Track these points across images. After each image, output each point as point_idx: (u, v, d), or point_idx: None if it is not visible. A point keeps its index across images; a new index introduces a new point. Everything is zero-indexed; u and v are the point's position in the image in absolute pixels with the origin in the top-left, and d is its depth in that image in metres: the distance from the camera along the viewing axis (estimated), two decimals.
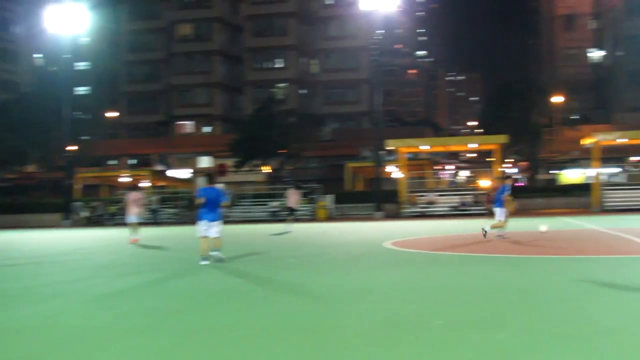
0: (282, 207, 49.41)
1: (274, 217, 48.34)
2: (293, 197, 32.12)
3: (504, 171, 22.82)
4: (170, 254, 21.15)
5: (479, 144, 54.87)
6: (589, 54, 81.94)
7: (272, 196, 52.44)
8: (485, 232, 21.23)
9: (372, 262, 16.18)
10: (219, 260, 15.84)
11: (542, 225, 21.17)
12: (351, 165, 62.82)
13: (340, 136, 75.55)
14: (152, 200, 49.83)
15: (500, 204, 21.25)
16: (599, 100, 77.46)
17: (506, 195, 21.26)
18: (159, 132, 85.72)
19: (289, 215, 32.20)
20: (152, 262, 18.46)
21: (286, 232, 29.76)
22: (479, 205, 46.80)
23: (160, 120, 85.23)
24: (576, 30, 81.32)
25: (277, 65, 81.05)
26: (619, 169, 62.00)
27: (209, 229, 15.77)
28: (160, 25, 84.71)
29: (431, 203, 48.33)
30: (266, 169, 66.30)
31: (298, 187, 33.88)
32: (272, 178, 65.02)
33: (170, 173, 74.99)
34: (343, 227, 35.07)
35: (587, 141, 50.06)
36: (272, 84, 79.42)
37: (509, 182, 21.76)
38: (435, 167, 66.29)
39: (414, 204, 48.43)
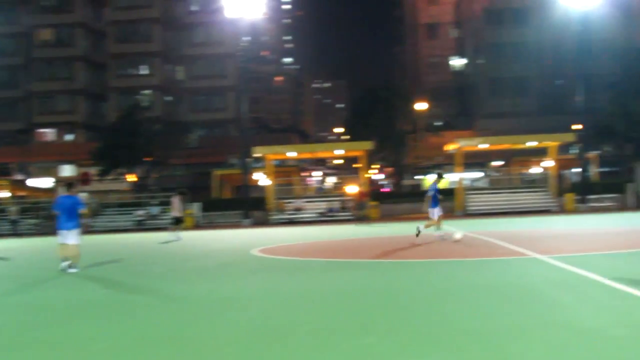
0: (147, 215, 48.61)
1: (140, 226, 47.44)
2: (178, 205, 31.36)
3: (439, 172, 22.83)
4: (29, 265, 20.39)
5: (345, 151, 55.45)
6: (451, 62, 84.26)
7: (137, 205, 51.43)
8: (419, 231, 21.30)
9: (241, 270, 16.02)
10: (70, 271, 15.76)
11: (457, 232, 21.24)
12: (218, 172, 62.38)
13: (207, 143, 74.92)
14: (11, 211, 47.96)
15: (436, 204, 21.31)
16: (462, 107, 79.71)
17: (429, 196, 21.36)
18: (19, 140, 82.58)
19: (175, 223, 31.47)
20: (10, 274, 17.73)
21: (174, 240, 29.21)
22: (347, 211, 47.27)
23: (20, 128, 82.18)
24: (439, 39, 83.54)
25: (142, 72, 79.59)
26: (481, 174, 63.97)
27: (66, 237, 15.76)
28: (18, 29, 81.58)
29: (299, 209, 48.49)
30: (131, 178, 64.97)
31: (182, 194, 33.09)
32: (137, 186, 63.77)
33: (31, 182, 72.53)
34: (210, 235, 34.69)
35: (450, 147, 51.42)
36: (137, 90, 77.90)
37: (440, 182, 21.89)
38: (302, 174, 66.62)
39: (282, 210, 48.47)
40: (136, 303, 11.20)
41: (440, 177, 22.41)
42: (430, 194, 21.39)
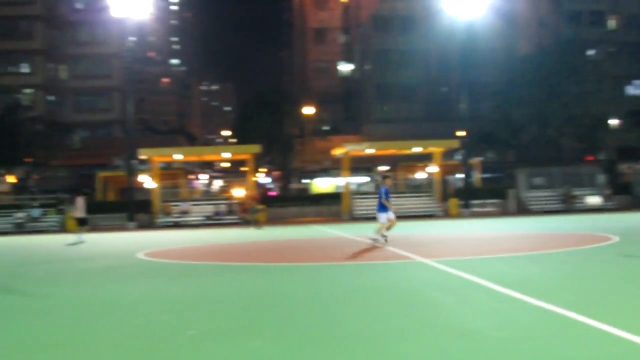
0: (27, 218, 47.22)
1: (20, 229, 46.03)
2: (81, 205, 30.47)
3: (384, 172, 22.25)
4: None
5: (233, 154, 55.22)
6: (339, 67, 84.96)
7: (17, 207, 49.83)
8: (373, 239, 20.94)
9: (125, 273, 15.68)
10: None
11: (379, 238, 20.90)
12: (102, 174, 61.06)
13: (91, 144, 73.32)
14: None
15: (382, 207, 21.00)
16: (350, 111, 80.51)
17: (385, 199, 20.98)
18: None
19: (81, 224, 30.56)
20: None
21: (80, 242, 28.48)
22: (233, 215, 47.06)
23: None
24: (327, 44, 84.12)
25: (23, 70, 77.09)
26: (368, 179, 64.73)
27: None
28: None
29: (185, 212, 47.98)
30: (11, 179, 62.92)
31: (85, 194, 32.11)
32: (17, 188, 61.80)
33: None
34: (94, 238, 33.84)
35: (337, 151, 51.83)
36: (17, 89, 75.47)
37: (388, 183, 21.51)
38: (189, 177, 65.98)
39: (167, 213, 47.86)
40: (14, 307, 10.79)
41: (385, 177, 22.19)
42: (383, 197, 21.00)
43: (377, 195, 21.55)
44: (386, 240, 20.82)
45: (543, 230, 27.11)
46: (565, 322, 7.82)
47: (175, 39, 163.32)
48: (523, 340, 7.06)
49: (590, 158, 63.64)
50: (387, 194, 20.99)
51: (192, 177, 71.15)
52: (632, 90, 72.82)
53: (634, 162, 60.22)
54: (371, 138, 60.65)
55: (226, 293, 11.62)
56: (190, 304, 10.42)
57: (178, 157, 54.63)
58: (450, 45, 63.52)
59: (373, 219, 44.32)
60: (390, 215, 20.95)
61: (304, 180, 74.54)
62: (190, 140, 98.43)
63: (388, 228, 21.14)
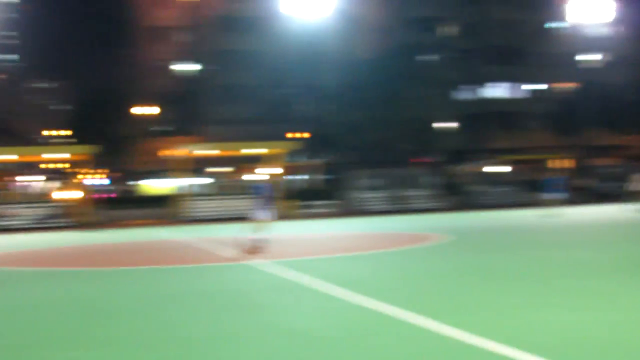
0: None
1: None
2: None
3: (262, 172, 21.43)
4: None
5: (67, 154, 53.38)
6: (180, 67, 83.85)
7: None
8: (254, 239, 19.82)
9: None
10: None
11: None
12: None
13: None
14: None
15: (260, 207, 19.97)
16: (190, 112, 79.59)
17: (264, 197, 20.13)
18: None
19: None
20: None
21: None
22: (66, 217, 45.51)
23: None
24: (168, 43, 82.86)
25: None
26: (207, 179, 64.17)
27: None
28: None
29: (8, 216, 45.82)
30: None
31: None
32: None
33: None
34: None
35: (176, 152, 51.10)
36: None
37: (269, 183, 20.77)
38: (15, 178, 63.34)
39: None
40: None
41: (265, 176, 21.69)
42: (265, 195, 20.29)
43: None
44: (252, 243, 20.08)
45: (377, 230, 27.69)
46: (393, 320, 8.02)
47: (6, 33, 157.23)
48: (350, 338, 7.20)
49: (422, 160, 65.56)
50: (262, 191, 20.47)
51: (20, 177, 68.41)
52: (466, 95, 75.64)
53: (465, 164, 62.48)
54: (212, 139, 60.18)
55: (48, 300, 11.15)
56: (7, 313, 9.97)
57: (4, 157, 52.20)
58: (293, 47, 63.92)
59: (211, 220, 44.18)
60: (266, 216, 20.34)
61: (141, 181, 73.25)
62: (19, 139, 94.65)
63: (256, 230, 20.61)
